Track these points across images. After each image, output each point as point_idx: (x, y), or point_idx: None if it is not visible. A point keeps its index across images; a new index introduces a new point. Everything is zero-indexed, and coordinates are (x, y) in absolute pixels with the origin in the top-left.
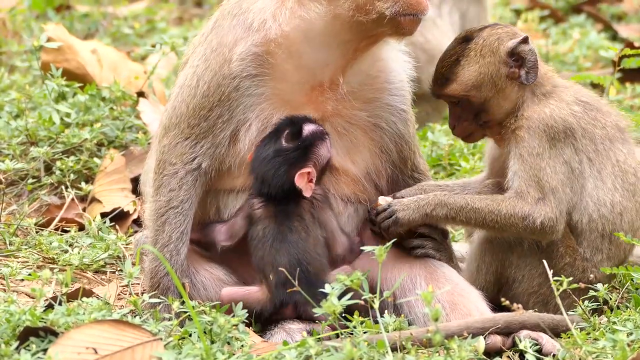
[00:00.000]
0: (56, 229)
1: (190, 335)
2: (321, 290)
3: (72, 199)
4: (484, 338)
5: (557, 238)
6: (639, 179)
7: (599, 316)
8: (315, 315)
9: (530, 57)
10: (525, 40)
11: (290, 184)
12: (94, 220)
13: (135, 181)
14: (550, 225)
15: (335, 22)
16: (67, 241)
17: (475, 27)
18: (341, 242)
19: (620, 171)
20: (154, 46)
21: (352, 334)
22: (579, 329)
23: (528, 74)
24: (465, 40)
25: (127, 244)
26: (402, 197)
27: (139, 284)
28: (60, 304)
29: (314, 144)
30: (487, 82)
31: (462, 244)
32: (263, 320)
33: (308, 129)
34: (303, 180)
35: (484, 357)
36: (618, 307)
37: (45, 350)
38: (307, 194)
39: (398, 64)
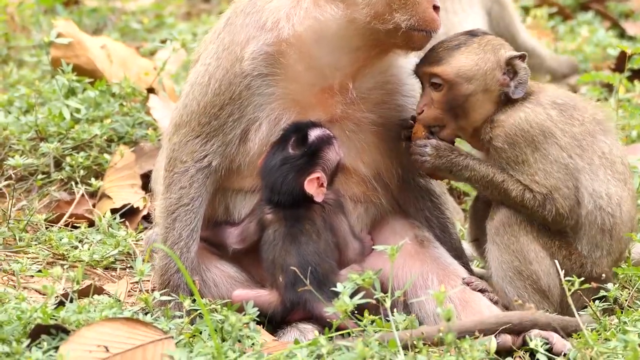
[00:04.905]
0: (66, 225)
1: (201, 333)
2: (332, 289)
3: (82, 195)
4: (495, 337)
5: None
6: (627, 166)
7: (609, 316)
8: (326, 315)
9: (523, 73)
10: (522, 57)
11: (299, 191)
12: (103, 217)
13: (145, 177)
14: (560, 220)
15: (350, 26)
16: (77, 237)
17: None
18: (353, 246)
19: (608, 162)
20: (163, 42)
21: (363, 332)
22: (589, 329)
23: (516, 88)
24: (471, 33)
25: (137, 241)
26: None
27: (149, 281)
28: (71, 301)
29: (321, 149)
30: (479, 77)
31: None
32: (275, 324)
33: (314, 134)
34: (313, 186)
35: (496, 356)
36: (629, 307)
37: (56, 348)
38: (318, 199)
39: (410, 66)
